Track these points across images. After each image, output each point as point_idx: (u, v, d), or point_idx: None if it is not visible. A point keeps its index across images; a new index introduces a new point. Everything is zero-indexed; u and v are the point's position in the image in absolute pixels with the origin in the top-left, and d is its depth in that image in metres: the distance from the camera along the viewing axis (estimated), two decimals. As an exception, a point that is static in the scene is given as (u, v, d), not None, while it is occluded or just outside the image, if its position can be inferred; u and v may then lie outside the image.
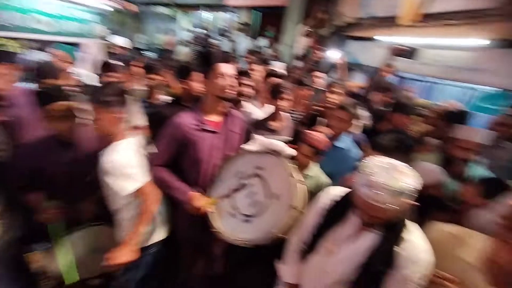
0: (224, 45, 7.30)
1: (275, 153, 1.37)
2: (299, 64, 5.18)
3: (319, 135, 1.67)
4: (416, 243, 0.95)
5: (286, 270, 1.25)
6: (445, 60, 3.68)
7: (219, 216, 1.42)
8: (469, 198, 1.51)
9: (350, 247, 1.02)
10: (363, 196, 0.90)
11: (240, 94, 2.03)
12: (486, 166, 1.85)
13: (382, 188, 0.85)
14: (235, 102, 2.10)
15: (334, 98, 2.35)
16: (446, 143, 1.92)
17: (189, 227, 1.58)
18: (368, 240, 0.99)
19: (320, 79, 3.05)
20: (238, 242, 1.29)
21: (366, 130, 2.23)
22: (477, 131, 1.82)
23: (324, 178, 1.63)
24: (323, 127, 2.04)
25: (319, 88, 2.76)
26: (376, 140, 1.38)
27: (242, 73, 2.07)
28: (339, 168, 1.65)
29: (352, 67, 4.83)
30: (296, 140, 1.77)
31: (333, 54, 4.57)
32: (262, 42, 6.95)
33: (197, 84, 1.93)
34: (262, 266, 1.57)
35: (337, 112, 1.83)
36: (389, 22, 4.17)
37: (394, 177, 0.86)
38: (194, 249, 1.71)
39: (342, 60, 3.71)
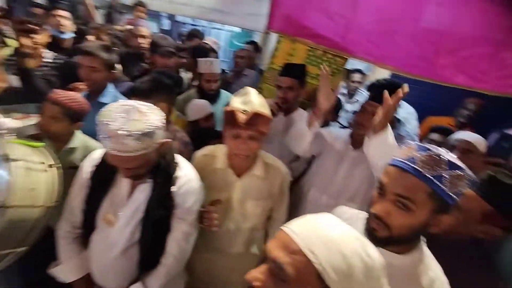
0: None
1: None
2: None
3: (71, 93, 1.33)
4: (187, 176, 1.02)
5: (65, 269, 1.02)
6: (199, 1, 3.97)
7: None
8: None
9: (128, 207, 0.95)
10: (107, 149, 0.80)
11: None
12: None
13: (122, 135, 0.77)
14: None
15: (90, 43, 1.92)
16: (198, 77, 2.11)
17: None
18: (143, 192, 0.96)
19: (65, 20, 2.36)
20: None
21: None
22: (218, 62, 2.10)
23: (94, 144, 1.37)
24: (78, 84, 1.65)
25: (61, 31, 2.14)
26: (134, 85, 1.28)
27: None
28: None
29: (117, 8, 4.14)
30: (40, 107, 1.32)
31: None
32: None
33: None
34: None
35: (83, 60, 1.49)
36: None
37: (133, 119, 0.80)
38: None
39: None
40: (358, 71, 2.99)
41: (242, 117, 1.01)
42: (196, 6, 3.94)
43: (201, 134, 1.73)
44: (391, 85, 1.43)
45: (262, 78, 2.31)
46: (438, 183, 0.64)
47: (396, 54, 1.64)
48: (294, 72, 1.66)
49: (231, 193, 1.17)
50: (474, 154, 1.44)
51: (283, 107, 1.64)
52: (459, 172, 0.65)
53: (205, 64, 2.01)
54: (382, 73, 2.67)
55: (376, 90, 1.44)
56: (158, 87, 1.26)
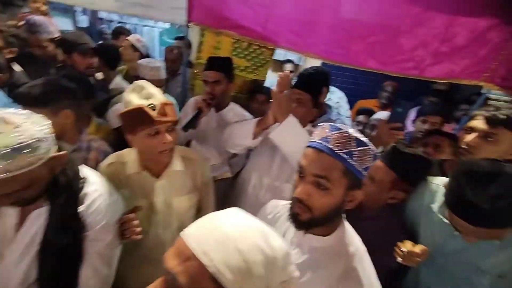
0: None
1: None
2: None
3: None
4: (98, 191, 0.88)
5: None
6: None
7: None
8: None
9: (18, 242, 0.79)
10: None
11: None
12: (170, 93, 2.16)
13: None
14: None
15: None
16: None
17: None
18: (38, 220, 0.79)
19: None
20: None
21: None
22: (163, 67, 1.97)
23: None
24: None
25: None
26: (18, 91, 1.05)
27: None
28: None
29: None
30: None
31: None
32: None
33: None
34: None
35: None
36: None
37: None
38: None
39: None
40: (290, 61, 3.08)
41: (154, 112, 0.95)
42: (118, 1, 3.56)
43: (125, 142, 1.55)
44: (318, 74, 1.49)
45: (193, 74, 2.19)
46: (349, 160, 0.67)
47: (317, 43, 1.70)
48: (219, 65, 1.60)
49: (152, 196, 1.09)
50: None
51: (212, 103, 1.57)
52: (364, 147, 0.69)
53: (151, 71, 1.85)
54: (313, 63, 2.79)
55: (301, 78, 1.48)
56: (54, 93, 1.06)
